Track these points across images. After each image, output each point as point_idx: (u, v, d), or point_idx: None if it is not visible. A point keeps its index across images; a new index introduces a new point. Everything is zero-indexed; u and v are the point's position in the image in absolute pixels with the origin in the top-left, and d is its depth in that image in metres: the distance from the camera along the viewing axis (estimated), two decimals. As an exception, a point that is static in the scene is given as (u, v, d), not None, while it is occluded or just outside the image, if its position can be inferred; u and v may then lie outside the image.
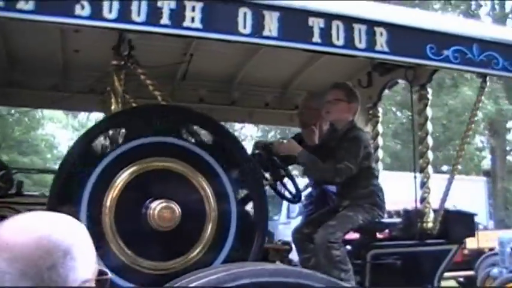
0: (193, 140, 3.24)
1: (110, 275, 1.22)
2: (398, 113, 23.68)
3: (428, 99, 4.05)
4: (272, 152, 3.85)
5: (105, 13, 2.80)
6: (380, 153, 4.63)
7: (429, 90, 4.07)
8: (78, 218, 2.88)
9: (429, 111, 4.07)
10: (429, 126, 4.06)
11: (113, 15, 2.81)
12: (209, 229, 3.13)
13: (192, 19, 2.93)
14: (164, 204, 2.98)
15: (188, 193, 3.13)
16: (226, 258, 3.16)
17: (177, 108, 3.47)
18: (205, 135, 3.29)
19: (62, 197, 3.02)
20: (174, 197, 3.06)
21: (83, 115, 27.44)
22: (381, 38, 3.24)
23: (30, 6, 2.66)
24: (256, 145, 4.00)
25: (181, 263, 3.07)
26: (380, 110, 4.73)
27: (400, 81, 4.49)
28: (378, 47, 3.24)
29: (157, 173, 3.11)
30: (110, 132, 3.17)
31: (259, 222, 3.28)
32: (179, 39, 3.87)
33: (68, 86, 4.64)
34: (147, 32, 2.89)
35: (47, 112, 25.27)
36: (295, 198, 4.03)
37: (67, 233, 1.16)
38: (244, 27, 2.98)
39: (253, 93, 5.03)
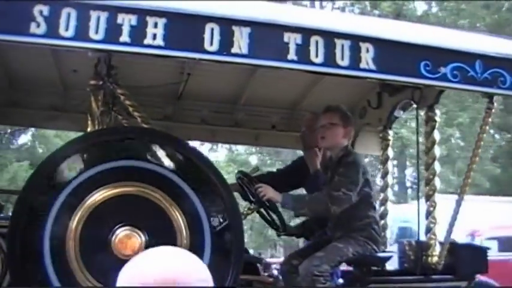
0: (164, 164, 3.02)
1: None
2: (497, 136, 22.56)
3: (435, 121, 3.70)
4: (254, 182, 3.61)
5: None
6: (389, 179, 4.31)
7: (437, 112, 3.73)
8: (40, 244, 2.82)
9: (437, 135, 3.73)
10: (437, 150, 3.72)
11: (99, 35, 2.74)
12: None
13: (154, 36, 2.79)
14: (126, 232, 2.80)
15: (156, 220, 2.93)
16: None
17: (147, 130, 3.28)
18: (177, 159, 3.07)
19: (24, 222, 2.89)
20: (139, 223, 2.88)
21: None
22: (367, 55, 2.99)
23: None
24: (240, 173, 3.78)
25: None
26: (391, 133, 4.41)
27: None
28: (363, 65, 2.99)
29: (126, 199, 2.92)
30: (75, 155, 3.02)
31: (235, 253, 3.04)
32: (172, 59, 3.72)
33: (66, 105, 4.56)
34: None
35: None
36: (281, 228, 3.76)
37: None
38: (211, 44, 2.81)
39: (258, 114, 4.80)
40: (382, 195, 4.17)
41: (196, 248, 2.90)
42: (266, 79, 4.26)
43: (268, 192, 3.46)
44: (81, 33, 2.71)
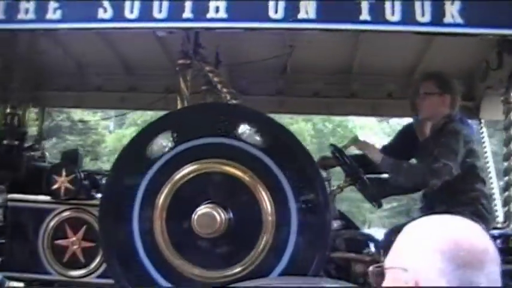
0: (251, 142, 2.95)
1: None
2: None
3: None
4: (344, 154, 3.39)
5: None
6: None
7: None
8: (129, 221, 2.93)
9: None
10: None
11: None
12: (265, 238, 2.83)
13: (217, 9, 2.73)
14: (208, 209, 2.79)
15: (241, 198, 2.88)
16: (284, 269, 2.85)
17: (235, 107, 3.23)
18: (264, 136, 2.98)
19: (114, 198, 3.03)
20: (224, 201, 2.86)
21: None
22: (477, 10, 2.66)
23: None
24: (332, 146, 3.57)
25: (235, 273, 2.84)
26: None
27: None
28: (474, 21, 2.67)
29: (211, 176, 2.92)
30: (165, 132, 3.06)
31: (321, 233, 2.89)
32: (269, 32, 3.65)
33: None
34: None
35: (359, 121, 25.11)
36: (377, 202, 3.50)
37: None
38: (276, 11, 2.68)
39: (373, 83, 4.54)
40: (505, 164, 3.70)
41: (281, 227, 2.81)
42: (374, 46, 4.00)
43: (368, 148, 3.30)
44: (174, 13, 2.75)
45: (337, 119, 22.23)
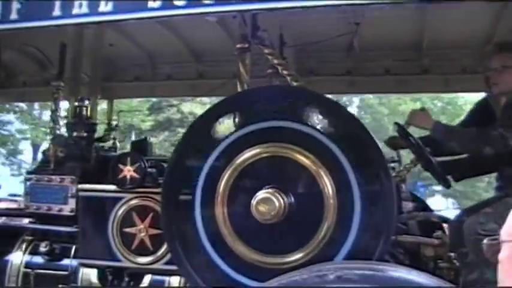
0: (315, 126, 2.86)
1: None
2: None
3: None
4: (408, 132, 3.23)
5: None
6: None
7: None
8: (191, 205, 2.94)
9: None
10: None
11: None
12: (327, 223, 2.74)
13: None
14: (267, 194, 2.74)
15: (303, 183, 2.81)
16: (347, 255, 2.76)
17: (297, 89, 3.13)
18: (328, 120, 2.87)
19: (176, 183, 3.04)
20: (284, 186, 2.80)
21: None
22: None
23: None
24: (397, 124, 3.41)
25: (297, 259, 2.78)
26: None
27: None
28: None
29: (272, 160, 2.86)
30: (227, 115, 3.03)
31: (386, 217, 2.76)
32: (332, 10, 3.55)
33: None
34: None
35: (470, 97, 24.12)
36: (446, 182, 3.31)
37: None
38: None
39: (446, 57, 4.30)
40: None
41: (344, 213, 2.72)
42: (444, 18, 3.78)
43: (416, 118, 3.13)
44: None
45: (446, 96, 21.52)
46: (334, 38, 3.98)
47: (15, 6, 3.02)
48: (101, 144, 4.19)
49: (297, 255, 2.77)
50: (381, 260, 2.68)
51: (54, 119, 4.23)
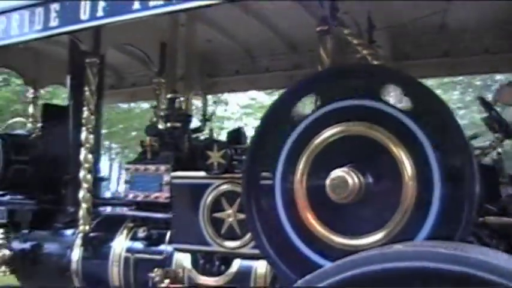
0: (396, 105, 2.76)
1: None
2: None
3: None
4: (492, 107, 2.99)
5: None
6: None
7: None
8: (272, 186, 2.96)
9: None
10: None
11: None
12: (406, 204, 2.66)
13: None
14: (339, 173, 2.70)
15: (383, 164, 2.72)
16: (428, 235, 2.64)
17: (379, 68, 3.05)
18: (410, 99, 2.76)
19: (257, 164, 3.07)
20: (364, 166, 2.74)
21: None
22: None
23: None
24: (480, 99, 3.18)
25: (377, 240, 2.71)
26: None
27: None
28: None
29: (352, 139, 2.80)
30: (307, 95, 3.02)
31: (467, 199, 2.60)
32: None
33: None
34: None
35: None
36: None
37: None
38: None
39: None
40: None
41: (423, 194, 2.61)
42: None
43: (504, 94, 2.91)
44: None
45: None
46: (425, 17, 3.83)
47: (101, 4, 3.24)
48: (197, 134, 4.32)
49: (375, 237, 2.70)
50: (463, 241, 2.54)
51: (156, 113, 4.44)
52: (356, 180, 2.66)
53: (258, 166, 3.07)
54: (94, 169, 4.48)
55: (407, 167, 2.64)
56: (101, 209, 4.59)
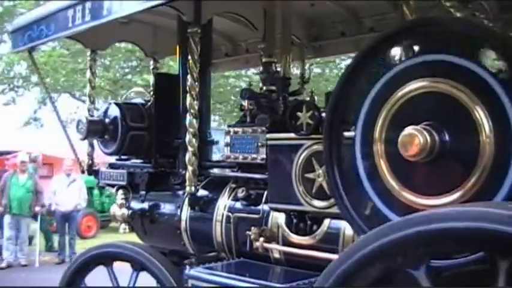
0: (484, 65, 2.58)
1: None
2: None
3: None
4: None
5: None
6: None
7: None
8: (352, 142, 2.96)
9: None
10: None
11: None
12: (483, 164, 2.53)
13: None
14: (410, 131, 2.64)
15: (462, 122, 2.61)
16: (506, 196, 2.49)
17: (472, 24, 2.85)
18: (501, 60, 2.56)
19: (337, 117, 3.10)
20: (442, 124, 2.65)
21: None
22: None
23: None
24: None
25: (454, 200, 2.62)
26: None
27: None
28: None
29: (434, 96, 2.72)
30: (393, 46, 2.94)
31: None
32: None
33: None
34: None
35: None
36: None
37: None
38: None
39: None
40: None
41: (502, 153, 2.48)
42: None
43: None
44: None
45: None
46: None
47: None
48: (295, 97, 4.37)
49: (450, 198, 2.61)
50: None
51: (262, 78, 4.55)
52: (428, 138, 2.59)
53: (339, 122, 3.09)
54: (202, 133, 4.75)
55: (487, 128, 2.51)
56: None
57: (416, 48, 2.81)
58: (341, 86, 3.08)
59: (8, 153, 17.71)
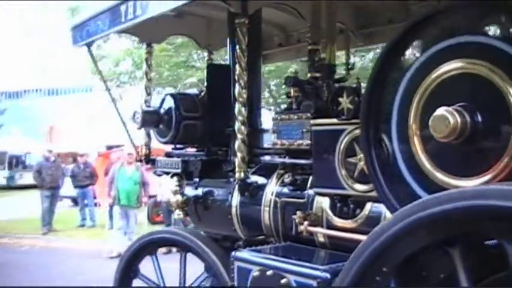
0: None
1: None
2: None
3: None
4: None
5: None
6: None
7: None
8: (388, 123, 3.01)
9: None
10: None
11: None
12: None
13: None
14: (441, 112, 2.66)
15: (493, 106, 2.61)
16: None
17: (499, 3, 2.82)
18: None
19: (374, 99, 3.14)
20: (473, 105, 2.65)
21: None
22: None
23: None
24: None
25: (485, 181, 2.62)
26: None
27: None
28: None
29: (467, 77, 2.72)
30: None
31: None
32: None
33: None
34: None
35: None
36: None
37: None
38: None
39: None
40: None
41: None
42: None
43: None
44: None
45: None
46: None
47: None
48: (341, 83, 4.39)
49: (483, 179, 2.62)
50: None
51: (308, 65, 4.62)
52: (459, 120, 2.60)
53: (377, 104, 3.13)
54: (253, 121, 4.88)
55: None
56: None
57: (451, 29, 2.80)
58: (378, 68, 3.11)
59: (116, 146, 18.81)
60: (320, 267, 3.46)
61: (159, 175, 5.64)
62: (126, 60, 22.13)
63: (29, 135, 43.15)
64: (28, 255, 13.83)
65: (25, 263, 12.56)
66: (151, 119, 5.23)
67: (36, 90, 51.92)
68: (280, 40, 6.19)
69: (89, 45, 5.31)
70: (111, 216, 14.54)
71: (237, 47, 4.40)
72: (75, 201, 20.98)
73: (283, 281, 3.51)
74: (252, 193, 4.50)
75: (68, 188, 19.34)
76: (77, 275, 11.45)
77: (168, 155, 5.61)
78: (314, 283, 3.35)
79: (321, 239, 3.94)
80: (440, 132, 2.65)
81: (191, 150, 5.55)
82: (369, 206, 3.65)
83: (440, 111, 2.66)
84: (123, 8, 4.52)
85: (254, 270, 3.75)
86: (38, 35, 48.07)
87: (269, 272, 3.63)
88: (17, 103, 50.02)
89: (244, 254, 3.94)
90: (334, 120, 3.75)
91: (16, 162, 39.03)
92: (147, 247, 5.28)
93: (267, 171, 4.59)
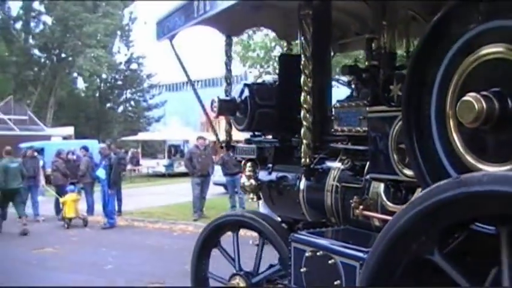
0: None
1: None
2: None
3: None
4: None
5: None
6: None
7: None
8: (428, 105, 3.08)
9: None
10: None
11: None
12: None
13: None
14: (468, 98, 2.70)
15: None
16: None
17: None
18: None
19: (415, 81, 3.18)
20: (504, 92, 2.67)
21: None
22: None
23: None
24: None
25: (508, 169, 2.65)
26: None
27: None
28: None
29: (502, 62, 2.70)
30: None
31: None
32: None
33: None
34: None
35: None
36: None
37: None
38: None
39: None
40: None
41: None
42: None
43: None
44: None
45: None
46: None
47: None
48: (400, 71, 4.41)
49: (510, 166, 2.63)
50: None
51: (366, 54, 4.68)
52: (484, 106, 2.62)
53: (418, 86, 3.17)
54: (322, 109, 5.02)
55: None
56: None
57: (493, 12, 2.77)
58: (418, 52, 3.14)
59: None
60: (363, 249, 3.58)
61: (240, 161, 5.94)
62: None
63: (187, 126, 45.36)
64: (180, 240, 14.27)
65: (176, 248, 13.03)
66: (227, 107, 5.53)
67: (196, 82, 54.43)
68: (356, 29, 6.24)
69: (170, 39, 5.69)
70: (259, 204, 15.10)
71: (302, 38, 4.57)
72: (227, 188, 21.67)
73: (330, 261, 3.68)
74: (317, 178, 4.67)
75: (220, 176, 19.85)
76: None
77: (248, 141, 5.89)
78: (357, 264, 3.48)
79: (377, 223, 4.04)
80: (466, 118, 2.68)
81: (269, 137, 5.79)
82: (418, 191, 3.70)
83: (467, 97, 2.69)
84: (195, 4, 4.84)
85: (307, 251, 3.94)
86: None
87: (319, 253, 3.80)
88: (177, 95, 52.84)
89: (300, 235, 4.14)
90: (385, 108, 3.82)
91: (175, 151, 41.68)
92: (227, 225, 5.63)
93: (332, 157, 4.74)
